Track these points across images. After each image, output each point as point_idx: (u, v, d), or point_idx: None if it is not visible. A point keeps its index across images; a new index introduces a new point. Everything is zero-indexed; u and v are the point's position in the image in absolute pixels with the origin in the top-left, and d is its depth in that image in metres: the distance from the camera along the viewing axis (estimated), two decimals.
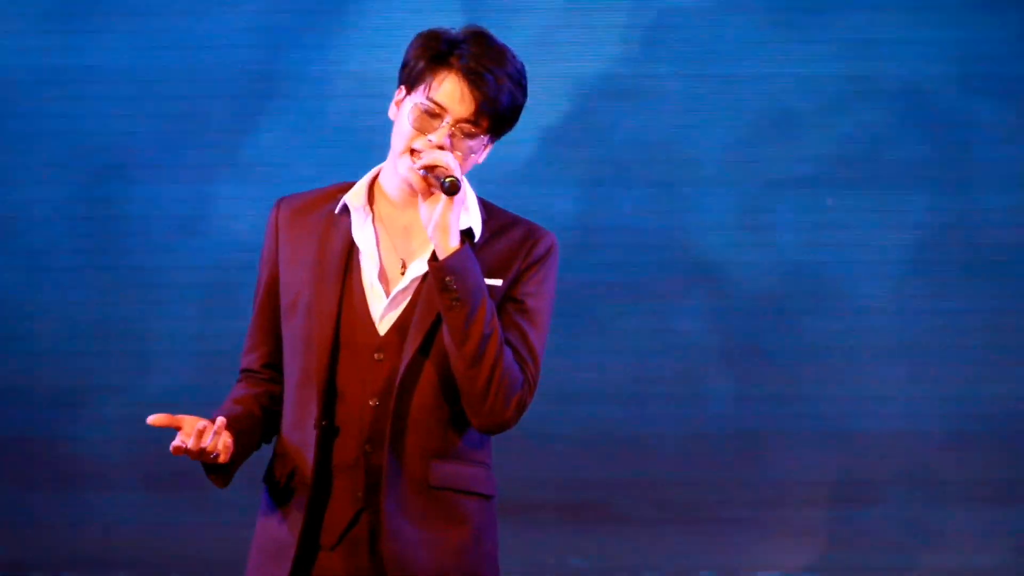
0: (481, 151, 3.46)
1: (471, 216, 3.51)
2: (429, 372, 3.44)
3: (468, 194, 3.51)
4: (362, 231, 3.50)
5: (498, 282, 3.47)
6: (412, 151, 3.41)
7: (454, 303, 3.36)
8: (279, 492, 3.50)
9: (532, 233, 3.53)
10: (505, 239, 3.52)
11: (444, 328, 3.40)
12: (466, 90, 3.39)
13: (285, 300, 3.52)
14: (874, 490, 5.58)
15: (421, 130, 3.41)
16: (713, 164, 5.63)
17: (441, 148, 3.38)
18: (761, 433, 5.59)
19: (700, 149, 5.62)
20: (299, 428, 3.47)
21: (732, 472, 5.58)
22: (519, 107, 3.44)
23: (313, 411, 3.44)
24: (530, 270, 3.50)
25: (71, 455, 5.57)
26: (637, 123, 5.62)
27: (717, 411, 5.59)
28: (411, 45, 3.45)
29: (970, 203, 5.58)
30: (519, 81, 3.43)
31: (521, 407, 3.44)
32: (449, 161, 3.35)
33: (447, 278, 3.36)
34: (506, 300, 3.48)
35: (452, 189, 3.34)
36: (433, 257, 3.40)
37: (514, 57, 3.43)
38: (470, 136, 3.41)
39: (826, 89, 5.58)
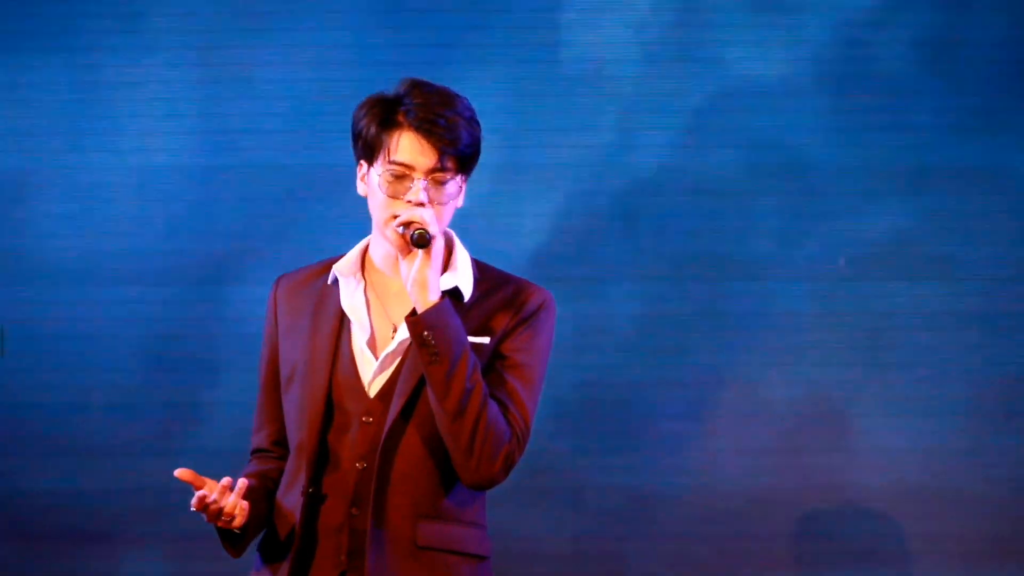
0: (458, 194, 3.50)
1: (460, 276, 3.54)
2: (413, 432, 3.45)
3: (459, 254, 3.57)
4: (352, 299, 3.55)
5: (485, 340, 3.50)
6: (394, 216, 3.45)
7: (433, 357, 3.38)
8: (268, 556, 3.53)
9: (523, 290, 3.56)
10: (495, 297, 3.54)
11: (428, 382, 3.41)
12: (424, 141, 3.43)
13: (284, 373, 3.58)
14: None
15: (395, 195, 3.45)
16: None
17: (420, 204, 3.41)
18: None
19: None
20: (289, 493, 3.51)
21: None
22: (478, 139, 3.48)
23: (302, 478, 3.47)
24: (520, 327, 3.52)
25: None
26: None
27: None
28: (355, 119, 3.50)
29: None
30: (470, 116, 3.46)
31: (509, 462, 3.44)
32: (423, 215, 3.39)
33: (424, 332, 3.38)
34: (495, 357, 3.50)
35: (421, 241, 3.37)
36: (412, 313, 3.42)
37: (457, 94, 3.47)
38: (442, 183, 3.45)
39: None
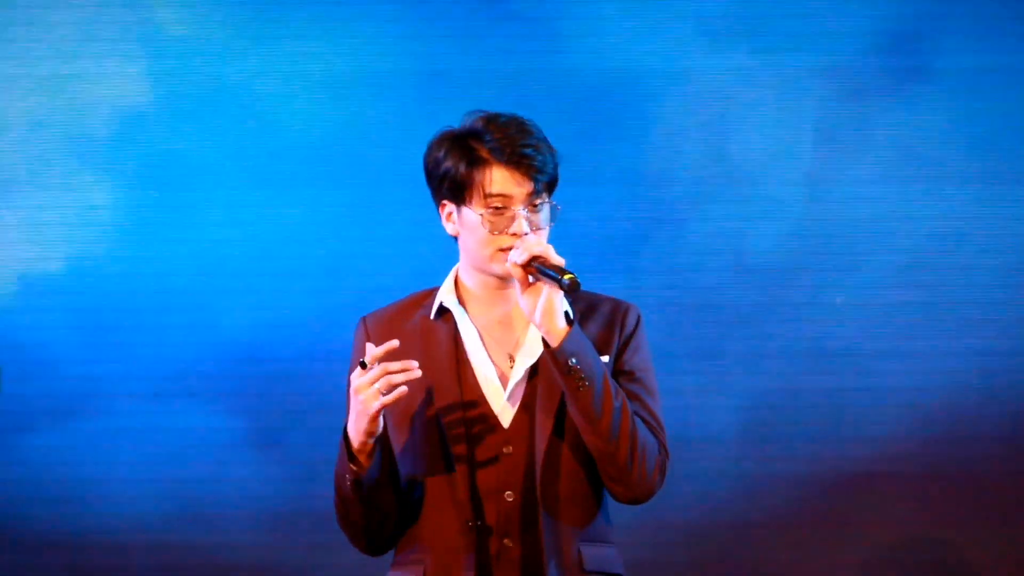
0: (552, 216, 3.54)
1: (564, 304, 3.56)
2: (563, 457, 3.49)
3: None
4: (466, 330, 3.57)
5: (605, 359, 3.53)
6: (500, 250, 3.49)
7: (581, 383, 3.41)
8: None
9: (618, 307, 3.60)
10: (596, 317, 3.58)
11: (572, 410, 3.44)
12: (517, 174, 3.47)
13: (396, 411, 3.54)
14: None
15: (497, 229, 3.48)
16: None
17: (526, 235, 3.45)
18: None
19: None
20: (445, 531, 3.51)
21: None
22: (557, 160, 3.52)
23: (464, 512, 3.49)
24: (628, 342, 3.57)
25: None
26: None
27: None
28: (433, 161, 3.53)
29: None
30: (544, 137, 3.51)
31: (663, 471, 3.50)
32: (548, 251, 3.41)
33: (570, 361, 3.40)
34: (617, 375, 3.54)
35: (573, 286, 3.37)
36: (546, 344, 3.43)
37: (527, 120, 3.52)
38: (538, 209, 3.49)
39: None
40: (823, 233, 5.49)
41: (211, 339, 5.48)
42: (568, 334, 3.40)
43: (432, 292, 3.61)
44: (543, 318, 3.41)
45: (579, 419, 3.43)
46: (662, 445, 3.51)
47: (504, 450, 3.49)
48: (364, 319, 3.65)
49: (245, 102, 5.47)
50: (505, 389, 3.52)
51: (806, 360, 5.47)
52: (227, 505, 5.46)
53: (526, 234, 3.44)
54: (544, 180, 3.48)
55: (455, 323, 3.57)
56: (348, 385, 3.50)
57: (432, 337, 3.56)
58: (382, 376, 3.37)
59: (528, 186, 3.46)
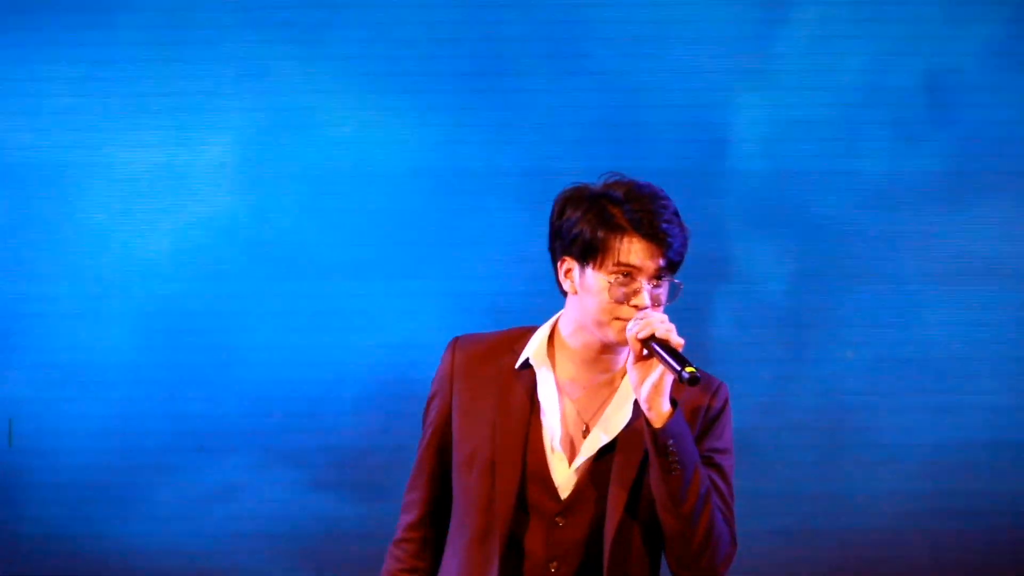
0: (674, 294, 3.53)
1: None
2: (629, 537, 3.49)
3: None
4: (545, 391, 3.55)
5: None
6: (617, 318, 3.47)
7: (673, 467, 3.40)
8: None
9: (710, 385, 3.57)
10: (686, 394, 3.53)
11: (658, 491, 3.43)
12: (652, 248, 3.47)
13: (461, 453, 3.56)
14: None
15: (620, 299, 3.47)
16: None
17: (647, 308, 3.45)
18: None
19: None
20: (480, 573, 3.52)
21: None
22: (687, 237, 3.52)
23: (492, 570, 3.49)
24: (714, 423, 3.55)
25: None
26: None
27: None
28: (565, 217, 3.52)
29: None
30: (678, 212, 3.51)
31: (729, 563, 3.51)
32: (671, 332, 3.40)
33: (669, 443, 3.40)
34: (703, 456, 3.54)
35: (693, 381, 3.35)
36: (646, 422, 3.43)
37: (666, 195, 3.51)
38: (662, 285, 3.48)
39: None
40: None
41: None
42: (672, 417, 3.40)
43: (528, 334, 3.60)
44: (651, 396, 3.41)
45: (663, 499, 3.43)
46: (733, 537, 3.51)
47: (557, 519, 3.49)
48: (456, 342, 3.64)
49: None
50: (572, 461, 3.52)
51: None
52: None
53: (647, 307, 3.44)
54: (674, 258, 3.47)
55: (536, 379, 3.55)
56: (427, 404, 3.61)
57: (511, 389, 3.55)
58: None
59: (659, 261, 3.45)
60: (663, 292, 3.48)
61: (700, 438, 3.53)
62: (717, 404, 3.56)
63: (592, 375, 3.54)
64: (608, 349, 3.50)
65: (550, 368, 3.56)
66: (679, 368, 3.34)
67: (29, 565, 5.39)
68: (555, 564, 3.48)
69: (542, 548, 3.48)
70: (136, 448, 5.46)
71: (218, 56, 5.49)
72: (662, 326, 3.39)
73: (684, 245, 3.49)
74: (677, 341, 3.38)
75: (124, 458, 5.46)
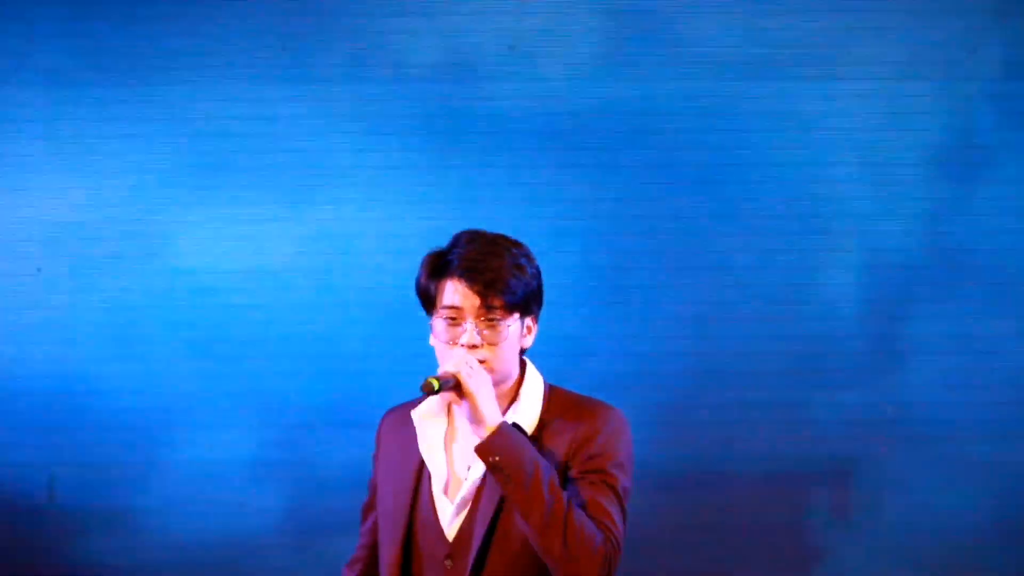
0: (522, 332, 3.64)
1: (522, 411, 3.67)
2: (500, 564, 3.55)
3: (527, 387, 3.69)
4: (429, 443, 3.69)
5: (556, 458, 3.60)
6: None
7: (507, 479, 3.48)
8: None
9: (587, 411, 3.65)
10: (560, 423, 3.64)
11: (508, 503, 3.52)
12: (466, 287, 3.57)
13: (378, 506, 3.75)
14: None
15: (451, 340, 3.59)
16: None
17: (473, 347, 3.55)
18: None
19: None
20: None
21: None
22: (530, 283, 3.61)
23: None
24: (584, 444, 3.61)
25: None
26: None
27: None
28: (417, 276, 3.65)
29: None
30: (517, 261, 3.60)
31: (607, 564, 3.51)
32: (451, 363, 3.53)
33: (492, 458, 3.49)
34: (571, 474, 3.59)
35: (426, 388, 3.50)
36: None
37: (508, 241, 3.63)
38: (494, 324, 3.58)
39: None
40: None
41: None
42: (494, 431, 3.49)
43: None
44: (471, 424, 3.53)
45: (517, 516, 3.49)
46: (609, 539, 3.51)
47: (446, 563, 3.60)
48: (387, 413, 3.81)
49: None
50: (453, 501, 3.63)
51: None
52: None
53: (476, 346, 3.56)
54: (496, 294, 3.56)
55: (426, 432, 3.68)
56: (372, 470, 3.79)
57: (410, 444, 3.69)
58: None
59: (476, 299, 3.56)
60: (498, 332, 3.57)
61: (575, 455, 3.58)
62: (595, 425, 3.61)
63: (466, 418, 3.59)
64: None
65: (444, 420, 3.69)
66: (447, 387, 3.51)
67: None
68: None
69: None
70: None
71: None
72: (449, 361, 3.53)
73: (514, 288, 3.57)
74: (462, 371, 3.51)
75: None
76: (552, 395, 3.71)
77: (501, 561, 3.55)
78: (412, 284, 3.65)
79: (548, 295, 3.70)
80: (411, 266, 3.69)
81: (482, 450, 3.49)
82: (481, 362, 3.58)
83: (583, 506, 3.54)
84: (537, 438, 3.63)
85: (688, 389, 5.46)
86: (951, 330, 5.49)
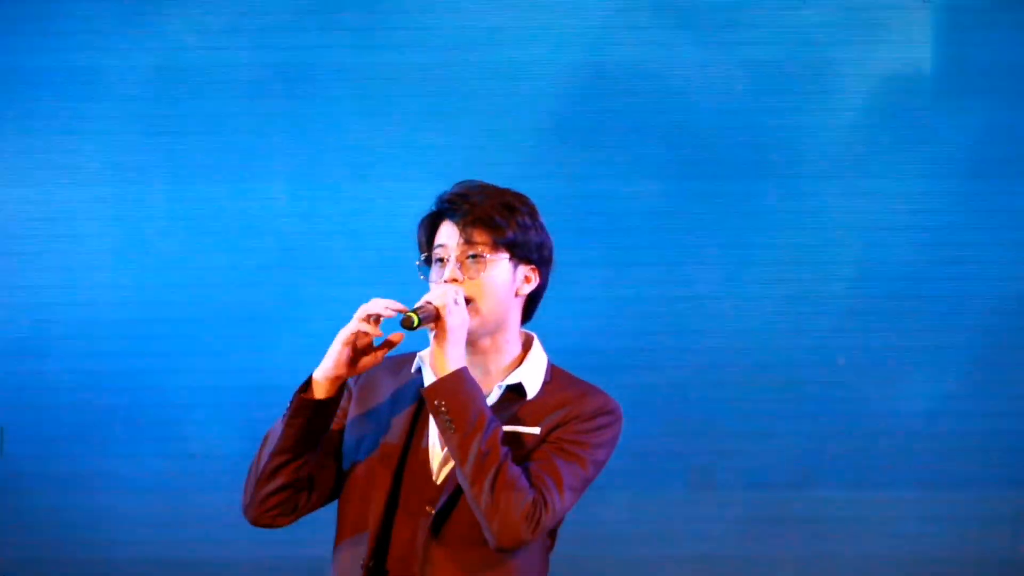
0: (515, 278, 3.59)
1: (527, 374, 3.63)
2: (461, 518, 3.53)
3: (533, 356, 3.65)
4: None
5: (535, 430, 3.56)
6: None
7: (447, 424, 3.45)
8: None
9: (587, 393, 3.62)
10: (558, 396, 3.61)
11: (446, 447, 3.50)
12: (451, 224, 3.57)
13: (348, 441, 3.65)
14: None
15: (436, 279, 3.58)
16: None
17: (453, 281, 3.53)
18: None
19: None
20: (346, 565, 3.59)
21: None
22: (521, 224, 3.58)
23: (362, 552, 3.56)
24: (573, 421, 3.57)
25: None
26: None
27: None
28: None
29: None
30: (506, 201, 3.58)
31: (533, 523, 3.46)
32: (436, 293, 3.49)
33: (435, 401, 3.46)
34: (544, 442, 3.56)
35: (404, 323, 3.46)
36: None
37: (502, 188, 3.61)
38: (479, 259, 3.56)
39: None
40: None
41: None
42: (446, 376, 3.47)
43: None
44: (432, 365, 3.51)
45: (452, 456, 3.48)
46: (544, 499, 3.47)
47: (428, 508, 3.55)
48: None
49: None
50: (444, 448, 3.58)
51: None
52: None
53: (454, 280, 3.53)
54: (479, 228, 3.54)
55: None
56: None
57: (405, 388, 3.63)
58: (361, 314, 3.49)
59: (457, 234, 3.55)
60: (480, 269, 3.54)
61: (556, 428, 3.54)
62: (589, 406, 3.58)
63: (472, 369, 3.57)
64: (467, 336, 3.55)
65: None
66: (428, 320, 3.45)
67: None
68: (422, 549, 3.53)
69: (411, 533, 3.54)
70: None
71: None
72: (431, 293, 3.49)
73: (500, 226, 3.55)
74: (437, 300, 3.47)
75: None
76: (556, 371, 3.67)
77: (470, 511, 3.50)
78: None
79: None
80: None
81: (431, 391, 3.46)
82: (467, 300, 3.53)
83: (535, 466, 3.51)
84: (534, 404, 3.58)
85: None
86: None
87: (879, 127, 5.49)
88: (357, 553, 3.56)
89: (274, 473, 3.56)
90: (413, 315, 3.44)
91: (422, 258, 3.61)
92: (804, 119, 5.54)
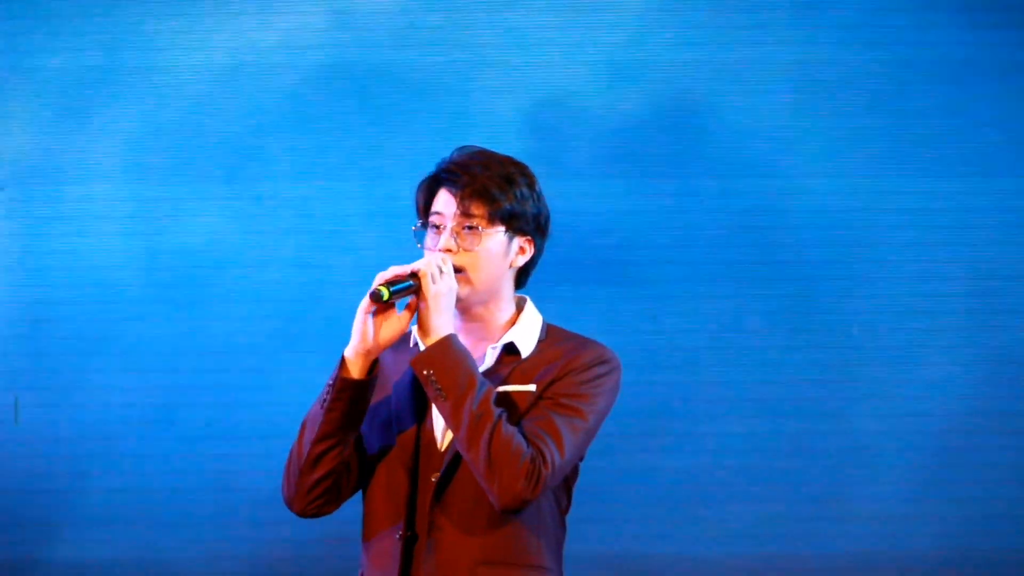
0: (510, 250, 3.60)
1: (521, 334, 3.63)
2: (464, 482, 3.53)
3: (527, 316, 3.66)
4: None
5: (531, 387, 3.56)
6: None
7: (437, 392, 3.45)
8: None
9: (582, 346, 3.61)
10: (553, 351, 3.61)
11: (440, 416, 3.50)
12: (448, 192, 3.57)
13: (369, 422, 3.64)
14: None
15: (432, 247, 3.58)
16: None
17: (448, 251, 3.53)
18: None
19: None
20: (383, 540, 3.59)
21: None
22: (519, 196, 3.58)
23: (398, 520, 3.56)
24: (569, 375, 3.57)
25: None
26: None
27: None
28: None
29: None
30: (506, 173, 3.58)
31: (533, 479, 3.45)
32: (420, 262, 3.48)
33: (424, 371, 3.46)
34: (540, 399, 3.55)
35: (373, 296, 3.45)
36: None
37: (503, 156, 3.61)
38: (473, 229, 3.55)
39: None
40: None
41: None
42: (432, 344, 3.46)
43: None
44: (418, 334, 3.52)
45: (446, 424, 3.49)
46: (541, 455, 3.46)
47: (433, 477, 3.55)
48: None
49: None
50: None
51: None
52: None
53: (448, 251, 3.53)
54: (475, 199, 3.54)
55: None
56: None
57: (408, 365, 3.61)
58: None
59: (453, 204, 3.55)
60: (475, 239, 3.54)
61: (552, 383, 3.54)
62: (584, 359, 3.58)
63: (467, 336, 3.62)
64: (459, 303, 3.56)
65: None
66: (403, 291, 3.45)
67: None
68: (431, 530, 3.54)
69: (427, 498, 3.55)
70: None
71: None
72: (403, 268, 3.48)
73: (496, 197, 3.55)
74: (403, 271, 3.47)
75: None
76: (552, 329, 3.67)
77: (468, 473, 3.52)
78: None
79: None
80: None
81: (418, 362, 3.46)
82: (459, 270, 3.54)
83: (531, 424, 3.50)
84: (529, 362, 3.59)
85: None
86: None
87: None
88: (388, 522, 3.58)
89: (318, 461, 3.55)
90: (383, 288, 3.44)
91: (419, 223, 3.61)
92: None
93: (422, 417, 3.59)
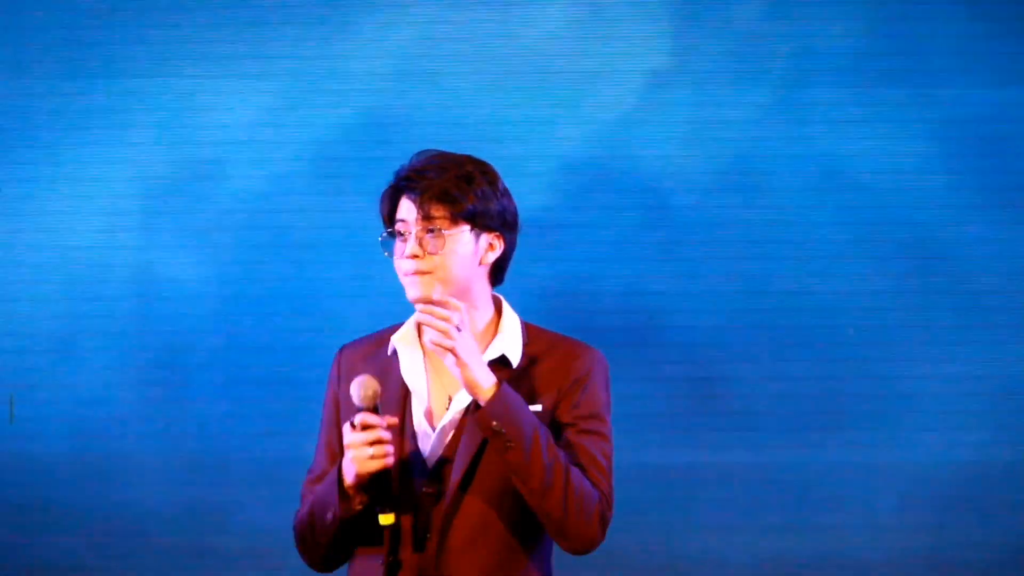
0: (478, 247, 3.57)
1: (507, 342, 3.61)
2: (473, 502, 3.51)
3: (506, 319, 3.64)
4: (412, 372, 3.60)
5: (538, 408, 3.55)
6: (405, 274, 3.54)
7: (507, 445, 3.43)
8: None
9: (571, 353, 3.61)
10: (545, 363, 3.59)
11: (505, 467, 3.46)
12: (408, 198, 3.54)
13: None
14: None
15: (400, 254, 3.54)
16: None
17: (414, 257, 3.49)
18: None
19: None
20: (369, 564, 3.56)
21: None
22: (481, 195, 3.55)
23: (384, 548, 3.52)
24: (574, 389, 3.57)
25: None
26: None
27: None
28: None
29: None
30: (465, 172, 3.54)
31: (604, 522, 3.51)
32: (430, 335, 3.43)
33: (492, 423, 3.43)
34: (559, 424, 3.56)
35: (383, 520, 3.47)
36: (476, 406, 3.46)
37: (460, 155, 3.59)
38: (436, 232, 3.52)
39: None
40: None
41: None
42: (494, 396, 3.43)
43: (401, 325, 3.67)
44: (465, 385, 3.45)
45: (512, 475, 3.46)
46: (603, 496, 3.51)
47: (425, 490, 3.53)
48: (341, 350, 3.72)
49: None
50: (433, 430, 3.56)
51: None
52: None
53: (415, 256, 3.50)
54: (435, 202, 3.51)
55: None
56: (324, 409, 3.67)
57: (386, 375, 3.60)
58: (375, 441, 3.44)
59: (414, 209, 3.52)
60: (441, 243, 3.51)
61: (560, 404, 3.56)
62: (580, 369, 3.58)
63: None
64: None
65: (418, 347, 3.62)
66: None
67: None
68: (427, 535, 3.52)
69: (413, 519, 3.52)
70: None
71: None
72: (431, 320, 3.44)
73: (456, 198, 3.52)
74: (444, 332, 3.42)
75: None
76: (530, 330, 3.65)
77: (482, 494, 3.52)
78: None
79: None
80: None
81: (485, 416, 3.43)
82: (426, 272, 3.52)
83: (576, 457, 3.52)
84: (523, 375, 3.58)
85: None
86: None
87: None
88: (378, 549, 3.54)
89: (333, 547, 3.58)
90: (385, 520, 3.46)
91: (385, 233, 3.58)
92: None
93: (405, 431, 3.57)
